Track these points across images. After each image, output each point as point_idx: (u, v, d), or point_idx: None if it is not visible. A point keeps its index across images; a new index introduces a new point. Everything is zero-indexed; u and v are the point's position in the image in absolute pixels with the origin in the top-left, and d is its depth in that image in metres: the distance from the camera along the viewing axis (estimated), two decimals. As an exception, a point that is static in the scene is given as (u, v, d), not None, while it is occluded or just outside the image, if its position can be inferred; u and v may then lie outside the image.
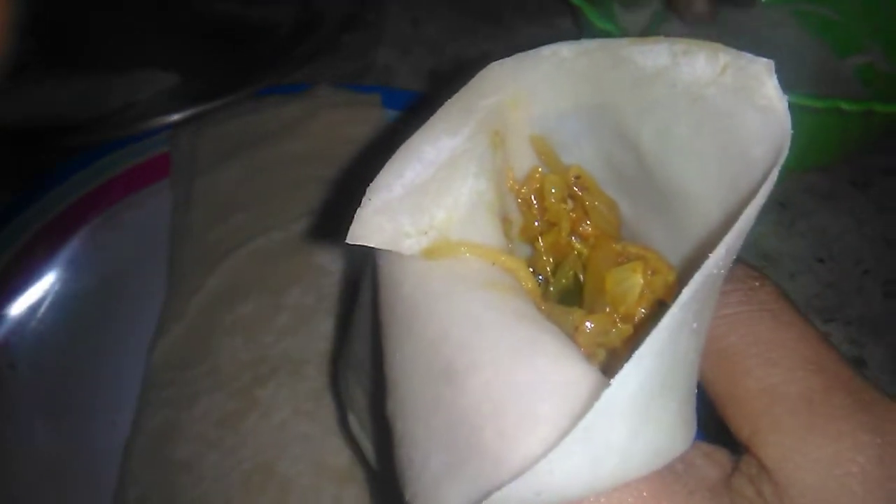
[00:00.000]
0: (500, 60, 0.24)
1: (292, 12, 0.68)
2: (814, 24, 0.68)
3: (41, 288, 0.48)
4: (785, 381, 0.21)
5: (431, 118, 0.23)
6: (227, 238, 0.50)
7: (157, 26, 0.64)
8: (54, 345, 0.46)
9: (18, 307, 0.47)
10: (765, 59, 0.20)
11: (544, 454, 0.17)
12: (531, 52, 0.23)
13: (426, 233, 0.22)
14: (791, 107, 0.47)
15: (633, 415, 0.18)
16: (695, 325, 0.19)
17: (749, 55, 0.20)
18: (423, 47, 0.69)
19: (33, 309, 0.47)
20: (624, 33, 0.50)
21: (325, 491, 0.41)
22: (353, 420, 0.35)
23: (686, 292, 0.17)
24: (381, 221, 0.22)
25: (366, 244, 0.22)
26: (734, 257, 0.20)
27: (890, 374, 0.46)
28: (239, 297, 0.47)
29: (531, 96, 0.24)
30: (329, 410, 0.44)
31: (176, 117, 0.54)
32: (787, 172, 0.55)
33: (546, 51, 0.23)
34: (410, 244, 0.22)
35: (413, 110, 0.55)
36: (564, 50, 0.23)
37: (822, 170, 0.55)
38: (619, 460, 0.18)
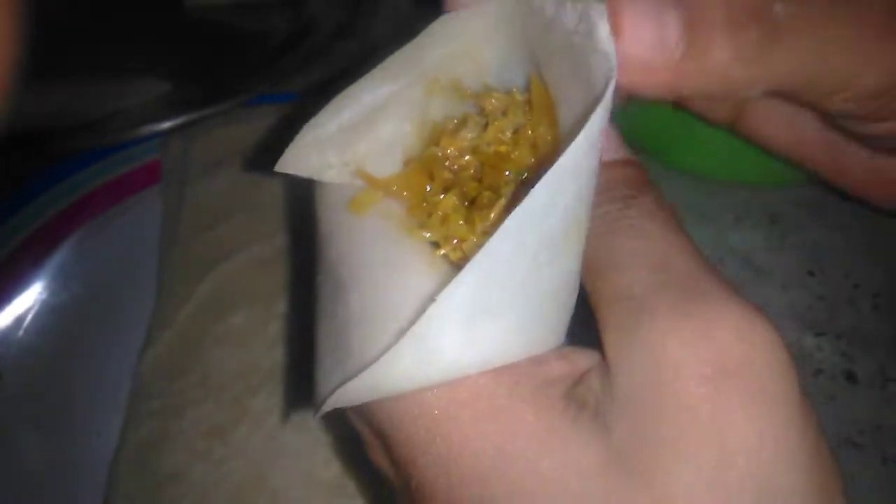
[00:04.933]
0: (451, 13, 0.26)
1: (284, 20, 0.67)
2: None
3: (28, 297, 0.47)
4: (629, 284, 0.22)
5: (377, 66, 0.26)
6: (217, 247, 0.49)
7: (149, 33, 0.64)
8: (41, 355, 0.45)
9: (4, 316, 0.46)
10: (601, 7, 0.22)
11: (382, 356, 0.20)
12: (478, 5, 0.26)
13: (347, 164, 0.25)
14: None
15: (461, 323, 0.20)
16: (541, 257, 0.21)
17: (595, 3, 0.22)
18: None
19: (20, 318, 0.46)
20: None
21: (315, 503, 0.41)
22: None
23: (507, 222, 0.19)
24: (310, 153, 0.25)
25: (291, 172, 0.25)
26: (571, 193, 0.21)
27: (879, 388, 0.46)
28: (229, 307, 0.47)
29: (480, 48, 0.26)
30: (319, 421, 0.43)
31: (167, 125, 0.54)
32: (780, 187, 0.55)
33: (490, 6, 0.26)
34: (332, 174, 0.25)
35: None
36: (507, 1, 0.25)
37: (814, 184, 0.55)
38: (449, 362, 0.21)
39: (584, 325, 0.24)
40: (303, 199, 0.51)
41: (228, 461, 0.42)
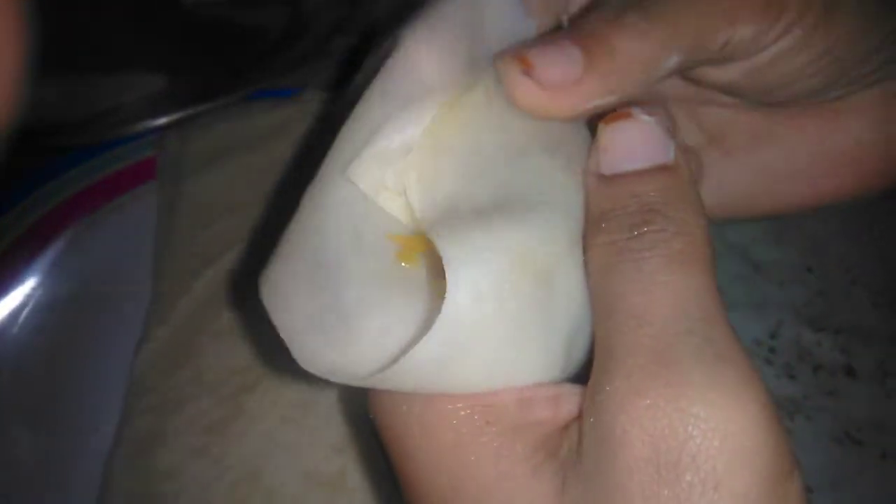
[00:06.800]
0: None
1: (281, 16, 0.67)
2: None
3: (23, 292, 0.47)
4: (607, 333, 0.21)
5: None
6: (213, 243, 0.49)
7: (146, 29, 0.64)
8: (37, 351, 0.45)
9: (-1, 312, 0.46)
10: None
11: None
12: None
13: (399, 192, 0.24)
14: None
15: (433, 368, 0.21)
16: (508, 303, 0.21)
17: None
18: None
19: (15, 314, 0.46)
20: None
21: (312, 500, 0.41)
22: None
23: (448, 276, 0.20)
24: (373, 166, 0.23)
25: (358, 183, 0.23)
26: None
27: (878, 384, 0.46)
28: (225, 304, 0.47)
29: None
30: (317, 418, 0.43)
31: (163, 121, 0.53)
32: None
33: None
34: (385, 198, 0.24)
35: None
36: None
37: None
38: (423, 388, 0.21)
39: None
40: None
41: (225, 458, 0.42)
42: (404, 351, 0.21)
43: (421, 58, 0.24)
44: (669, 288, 0.20)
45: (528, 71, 0.22)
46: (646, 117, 0.23)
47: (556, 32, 0.25)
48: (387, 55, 0.25)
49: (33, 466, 0.42)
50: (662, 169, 0.22)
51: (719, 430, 0.18)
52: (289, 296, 0.23)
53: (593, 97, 0.23)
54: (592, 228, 0.22)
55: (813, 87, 0.27)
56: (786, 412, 0.44)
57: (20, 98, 0.14)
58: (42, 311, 0.47)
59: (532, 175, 0.24)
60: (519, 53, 0.23)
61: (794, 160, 0.31)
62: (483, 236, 0.21)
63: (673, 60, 0.24)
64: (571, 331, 0.22)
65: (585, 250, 0.23)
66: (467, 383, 0.21)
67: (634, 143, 0.23)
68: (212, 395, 0.44)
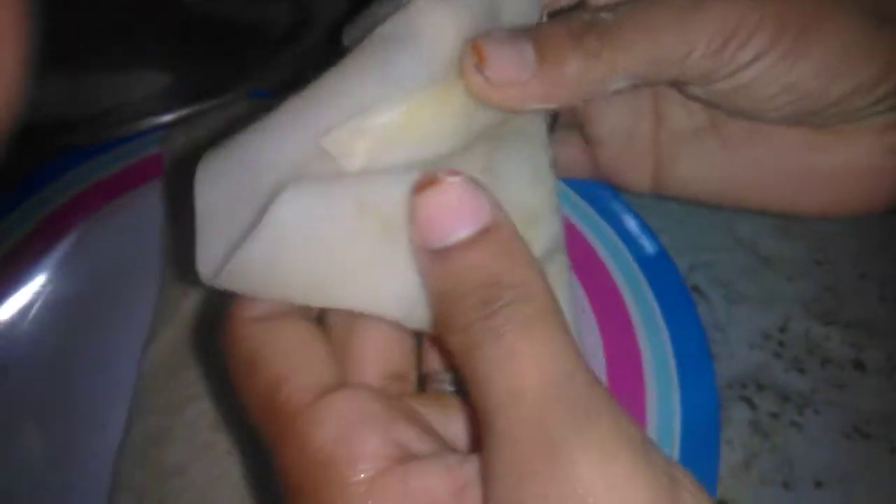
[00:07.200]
0: None
1: (285, 13, 0.67)
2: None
3: (32, 290, 0.47)
4: (487, 414, 0.21)
5: None
6: (220, 239, 0.49)
7: (149, 26, 0.64)
8: (45, 348, 0.45)
9: (8, 310, 0.46)
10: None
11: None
12: None
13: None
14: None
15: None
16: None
17: None
18: (418, 48, 0.69)
19: (24, 312, 0.46)
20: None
21: (319, 496, 0.41)
22: None
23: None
24: (347, 140, 0.24)
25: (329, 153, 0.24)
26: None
27: (887, 377, 0.46)
28: (231, 300, 0.47)
29: None
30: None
31: (168, 118, 0.54)
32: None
33: None
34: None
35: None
36: None
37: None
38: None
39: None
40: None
41: (232, 455, 0.42)
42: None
43: (436, 39, 0.24)
44: (530, 356, 0.21)
45: (480, 65, 0.23)
46: (452, 178, 0.22)
47: (523, 29, 0.26)
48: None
49: (44, 463, 0.42)
50: (487, 231, 0.22)
51: (603, 483, 0.19)
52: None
53: (537, 100, 0.25)
54: (442, 312, 0.22)
55: (787, 115, 0.28)
56: (795, 406, 0.44)
57: (24, 97, 0.15)
58: (51, 309, 0.47)
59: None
60: (477, 44, 0.24)
61: (787, 162, 0.31)
62: (332, 183, 0.23)
63: (621, 83, 0.25)
64: (416, 281, 0.23)
65: (443, 333, 0.23)
66: (301, 290, 0.24)
67: (452, 209, 0.22)
68: (218, 392, 0.44)
